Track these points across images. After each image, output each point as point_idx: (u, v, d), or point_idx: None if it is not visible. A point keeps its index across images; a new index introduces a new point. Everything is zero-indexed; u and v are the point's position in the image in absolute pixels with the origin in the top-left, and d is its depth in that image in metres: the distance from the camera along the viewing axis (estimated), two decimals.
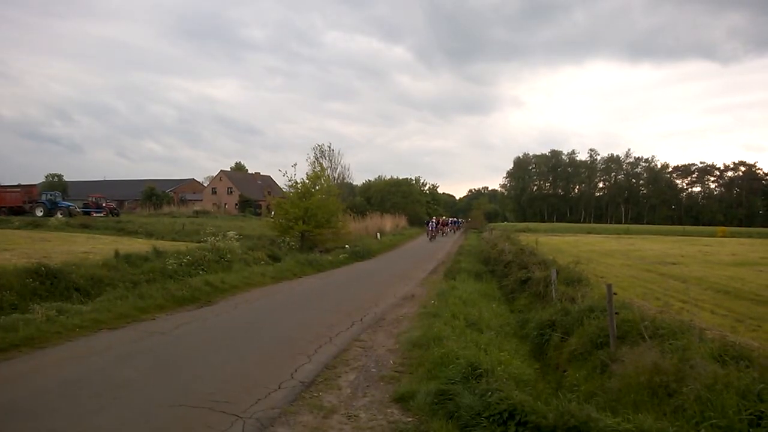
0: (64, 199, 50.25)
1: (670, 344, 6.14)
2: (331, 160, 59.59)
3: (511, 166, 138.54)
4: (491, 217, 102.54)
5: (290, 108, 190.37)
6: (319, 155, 57.52)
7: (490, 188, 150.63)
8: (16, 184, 51.17)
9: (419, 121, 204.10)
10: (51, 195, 48.33)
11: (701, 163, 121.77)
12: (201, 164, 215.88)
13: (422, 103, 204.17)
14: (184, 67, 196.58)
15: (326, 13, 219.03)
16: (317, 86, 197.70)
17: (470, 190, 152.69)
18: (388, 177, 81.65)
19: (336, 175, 59.36)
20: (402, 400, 5.72)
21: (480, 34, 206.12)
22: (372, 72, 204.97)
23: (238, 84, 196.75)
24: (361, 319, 10.25)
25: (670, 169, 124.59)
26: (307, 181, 26.21)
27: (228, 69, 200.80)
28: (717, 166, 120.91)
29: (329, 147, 60.77)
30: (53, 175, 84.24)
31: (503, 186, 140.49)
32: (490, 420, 4.83)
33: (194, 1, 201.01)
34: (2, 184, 51.39)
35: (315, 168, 31.55)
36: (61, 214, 41.75)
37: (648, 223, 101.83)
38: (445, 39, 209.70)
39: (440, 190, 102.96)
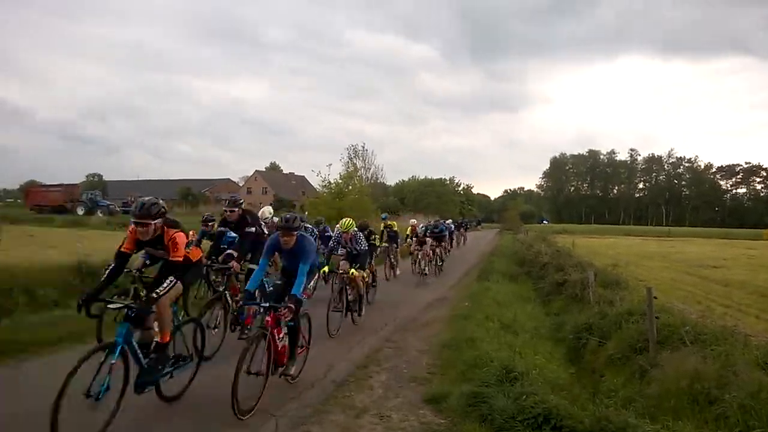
0: (103, 198, 51.69)
1: (711, 350, 5.97)
2: (364, 160, 59.67)
3: (545, 165, 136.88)
4: (527, 217, 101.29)
5: (316, 108, 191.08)
6: (352, 155, 57.70)
7: (526, 188, 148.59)
8: (58, 183, 52.79)
9: (447, 120, 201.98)
10: (91, 194, 49.79)
11: (746, 163, 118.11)
12: (233, 165, 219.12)
13: (450, 101, 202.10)
14: (212, 69, 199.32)
15: (349, 12, 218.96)
16: (342, 86, 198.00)
17: (506, 191, 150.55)
18: (420, 177, 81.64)
19: (369, 175, 59.46)
20: (434, 401, 5.67)
21: (506, 30, 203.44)
22: (396, 70, 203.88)
23: (264, 85, 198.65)
24: (393, 320, 10.23)
25: (713, 170, 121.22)
26: (341, 181, 26.35)
27: (253, 70, 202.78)
28: (763, 167, 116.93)
29: (363, 147, 60.81)
30: (93, 175, 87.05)
31: (539, 186, 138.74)
32: (525, 424, 4.75)
33: (218, 2, 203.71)
34: (45, 184, 53.16)
35: (348, 168, 31.59)
36: (101, 212, 43.00)
37: (690, 226, 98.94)
38: (469, 35, 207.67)
39: (475, 191, 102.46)
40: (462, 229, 36.93)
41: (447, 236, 23.07)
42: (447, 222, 28.25)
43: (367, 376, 6.67)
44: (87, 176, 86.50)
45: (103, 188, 72.38)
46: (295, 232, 5.78)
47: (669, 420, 4.57)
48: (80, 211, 44.51)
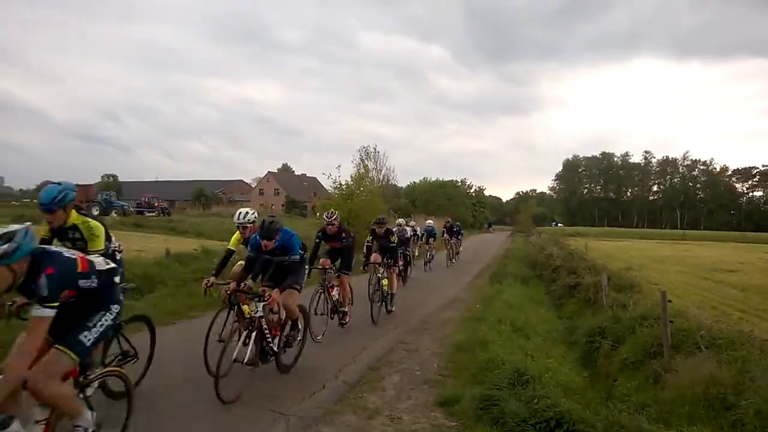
0: (118, 199, 52.09)
1: (727, 355, 5.89)
2: (376, 162, 59.71)
3: (557, 168, 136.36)
4: (539, 220, 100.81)
5: (328, 109, 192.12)
6: (364, 157, 57.72)
7: (538, 191, 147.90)
8: (73, 184, 53.27)
9: (459, 123, 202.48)
10: (106, 195, 50.16)
11: (763, 166, 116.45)
12: (246, 165, 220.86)
13: (462, 103, 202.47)
14: (224, 69, 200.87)
15: (361, 14, 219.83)
16: (355, 87, 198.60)
17: (517, 193, 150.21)
18: (432, 179, 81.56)
19: (381, 177, 59.44)
20: (446, 404, 5.66)
21: (518, 33, 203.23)
22: (409, 72, 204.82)
23: (277, 86, 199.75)
24: (406, 322, 10.22)
25: (729, 173, 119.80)
26: (351, 182, 26.30)
27: (266, 71, 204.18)
28: None
29: (374, 149, 60.80)
30: (108, 176, 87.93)
31: (552, 189, 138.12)
32: (536, 427, 4.73)
33: (231, 3, 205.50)
34: None
35: (360, 169, 31.54)
36: (115, 213, 43.33)
37: (705, 229, 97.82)
38: (482, 38, 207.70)
39: (487, 193, 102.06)
40: (454, 237, 23.32)
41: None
42: (400, 224, 17.88)
43: (380, 377, 6.67)
44: (102, 177, 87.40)
45: (118, 189, 72.99)
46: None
47: (683, 425, 4.53)
48: (94, 211, 44.69)
